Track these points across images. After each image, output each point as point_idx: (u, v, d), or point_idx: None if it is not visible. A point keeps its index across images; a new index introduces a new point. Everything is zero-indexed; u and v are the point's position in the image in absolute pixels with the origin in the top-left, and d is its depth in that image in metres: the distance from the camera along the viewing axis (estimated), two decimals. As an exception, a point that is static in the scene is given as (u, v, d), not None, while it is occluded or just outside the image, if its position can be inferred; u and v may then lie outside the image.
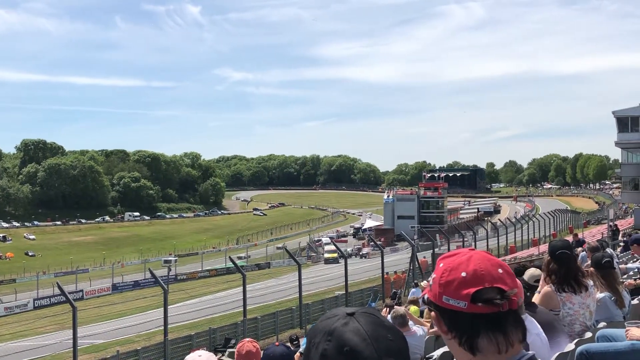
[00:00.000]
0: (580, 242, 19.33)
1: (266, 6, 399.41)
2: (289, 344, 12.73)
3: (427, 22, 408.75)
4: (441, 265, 1.72)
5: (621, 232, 37.03)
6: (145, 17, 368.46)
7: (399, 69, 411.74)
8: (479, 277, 1.63)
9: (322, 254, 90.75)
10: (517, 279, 1.71)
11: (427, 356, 8.74)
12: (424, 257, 46.92)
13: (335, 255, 75.72)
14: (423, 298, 1.83)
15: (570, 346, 4.99)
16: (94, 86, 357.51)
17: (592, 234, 53.46)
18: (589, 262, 8.52)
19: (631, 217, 60.51)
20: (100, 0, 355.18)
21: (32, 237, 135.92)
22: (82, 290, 66.57)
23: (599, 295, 6.48)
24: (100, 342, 35.49)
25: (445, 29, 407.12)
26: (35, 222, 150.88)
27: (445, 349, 6.79)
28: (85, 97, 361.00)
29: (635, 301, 7.25)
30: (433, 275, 1.73)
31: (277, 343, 5.28)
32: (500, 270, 1.66)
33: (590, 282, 5.92)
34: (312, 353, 1.45)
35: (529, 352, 1.69)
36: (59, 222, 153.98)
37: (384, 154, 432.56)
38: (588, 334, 5.48)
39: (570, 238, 31.69)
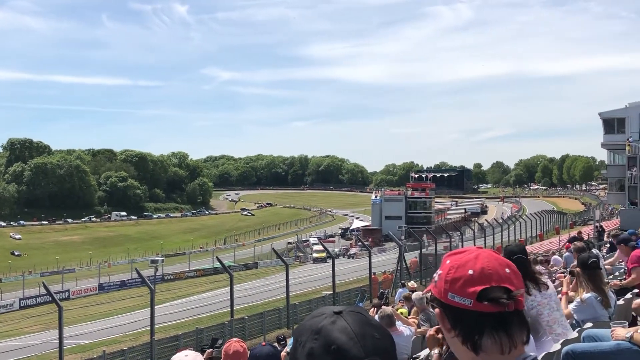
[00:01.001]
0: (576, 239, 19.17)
1: (253, 5, 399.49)
2: (276, 344, 12.72)
3: (415, 22, 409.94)
4: (448, 262, 1.71)
5: (606, 233, 37.24)
6: (132, 15, 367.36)
7: (387, 70, 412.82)
8: (486, 276, 1.62)
9: (311, 254, 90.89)
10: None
11: (414, 356, 8.76)
12: (415, 257, 46.97)
13: (324, 254, 75.77)
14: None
15: (556, 346, 5.01)
16: (81, 85, 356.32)
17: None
18: (575, 262, 8.57)
19: (617, 218, 60.88)
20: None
21: (18, 236, 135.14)
22: (68, 290, 66.16)
23: (585, 295, 6.53)
24: (87, 342, 35.31)
25: (433, 29, 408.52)
26: (22, 222, 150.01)
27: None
28: (72, 96, 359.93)
29: (620, 301, 7.30)
30: (439, 272, 1.72)
31: (263, 343, 5.29)
32: (507, 270, 1.65)
33: (548, 280, 6.00)
34: (298, 352, 1.43)
35: (532, 353, 1.68)
36: (45, 222, 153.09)
37: (371, 154, 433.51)
38: (574, 334, 5.51)
39: (574, 233, 32.14)
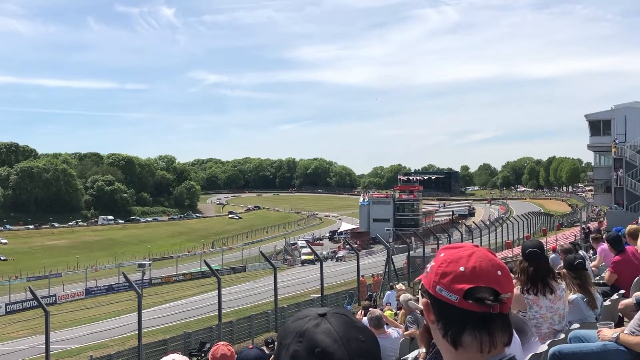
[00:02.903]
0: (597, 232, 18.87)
1: (240, 8, 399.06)
2: (263, 347, 12.69)
3: (402, 25, 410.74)
4: (442, 255, 1.71)
5: (591, 235, 37.35)
6: (119, 18, 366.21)
7: (374, 72, 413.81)
8: (476, 275, 1.62)
9: (299, 257, 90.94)
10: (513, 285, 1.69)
11: (402, 358, 8.76)
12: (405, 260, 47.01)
13: (312, 257, 75.85)
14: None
15: (543, 347, 5.02)
16: (67, 88, 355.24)
17: (565, 237, 54.02)
18: (562, 264, 8.61)
19: (603, 219, 61.20)
20: (73, 1, 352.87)
21: (4, 241, 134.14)
22: (55, 295, 65.83)
23: (572, 296, 6.54)
24: (74, 347, 35.12)
25: (419, 32, 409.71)
26: (8, 226, 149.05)
27: (419, 350, 6.80)
28: (58, 99, 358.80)
29: (607, 302, 7.33)
30: (432, 263, 1.72)
31: (250, 346, 5.27)
32: (499, 272, 1.65)
33: (562, 286, 5.95)
34: (282, 354, 1.42)
35: (511, 353, 1.68)
36: (31, 226, 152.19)
37: (359, 157, 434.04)
38: (561, 335, 5.53)
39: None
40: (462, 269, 1.63)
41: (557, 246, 14.64)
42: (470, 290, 1.60)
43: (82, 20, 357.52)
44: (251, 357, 4.90)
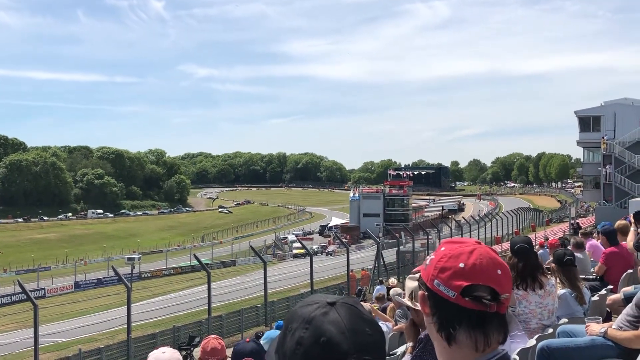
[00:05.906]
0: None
1: (231, 2, 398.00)
2: (260, 341, 12.72)
3: (393, 20, 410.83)
4: (443, 249, 1.68)
5: (580, 231, 37.49)
6: (108, 11, 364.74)
7: (364, 67, 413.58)
8: (475, 272, 1.59)
9: (290, 251, 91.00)
10: (512, 285, 1.67)
11: (390, 352, 8.79)
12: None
13: (303, 251, 75.91)
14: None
15: (532, 342, 5.06)
16: (56, 81, 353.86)
17: (554, 232, 54.26)
18: (550, 259, 8.66)
19: (592, 215, 61.51)
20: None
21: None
22: (44, 289, 65.61)
23: (560, 291, 6.58)
24: (62, 341, 35.04)
25: (410, 27, 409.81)
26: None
27: (407, 345, 6.82)
28: (47, 92, 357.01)
29: (595, 297, 7.38)
30: (432, 256, 1.69)
31: (247, 339, 5.26)
32: (499, 271, 1.62)
33: (552, 281, 5.98)
34: (287, 338, 1.41)
35: (504, 349, 1.66)
36: (20, 219, 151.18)
37: (350, 152, 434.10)
38: (549, 330, 5.56)
39: (563, 227, 31.93)
40: (462, 265, 1.61)
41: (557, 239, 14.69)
42: (469, 287, 1.58)
43: (71, 12, 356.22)
44: (247, 350, 4.90)
